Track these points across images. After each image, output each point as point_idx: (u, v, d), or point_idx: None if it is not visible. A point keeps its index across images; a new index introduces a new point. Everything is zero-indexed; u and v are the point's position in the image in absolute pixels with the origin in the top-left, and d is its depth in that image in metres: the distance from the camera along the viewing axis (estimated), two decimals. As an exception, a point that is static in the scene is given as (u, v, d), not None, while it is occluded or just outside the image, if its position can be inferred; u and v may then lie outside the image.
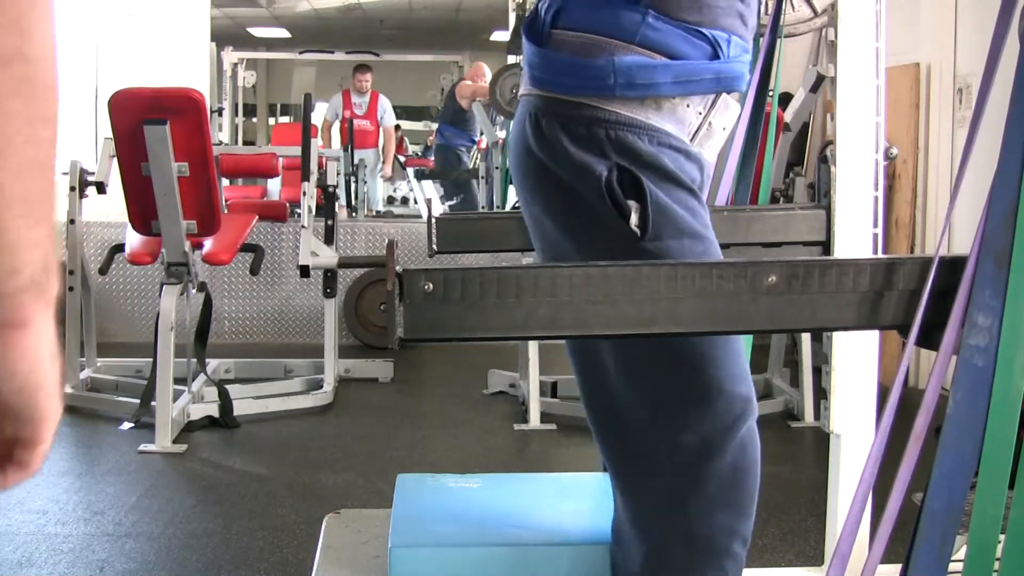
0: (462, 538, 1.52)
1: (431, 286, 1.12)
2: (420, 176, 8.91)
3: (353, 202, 7.23)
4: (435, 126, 14.61)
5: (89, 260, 4.51)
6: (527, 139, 1.39)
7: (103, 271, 4.05)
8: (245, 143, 11.02)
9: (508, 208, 6.74)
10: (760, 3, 2.02)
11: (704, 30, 1.33)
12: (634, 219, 1.29)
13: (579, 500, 1.67)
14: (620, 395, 1.39)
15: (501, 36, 9.23)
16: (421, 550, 1.48)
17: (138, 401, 3.73)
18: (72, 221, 4.04)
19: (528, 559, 1.48)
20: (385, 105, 8.78)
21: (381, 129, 8.76)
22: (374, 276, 5.19)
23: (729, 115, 1.39)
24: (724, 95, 1.37)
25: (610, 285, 1.13)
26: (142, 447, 3.44)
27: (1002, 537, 1.10)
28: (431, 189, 8.77)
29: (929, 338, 1.16)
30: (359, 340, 5.28)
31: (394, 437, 3.72)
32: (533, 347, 3.84)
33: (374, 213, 8.11)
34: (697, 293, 1.14)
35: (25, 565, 2.47)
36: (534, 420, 3.82)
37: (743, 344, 1.42)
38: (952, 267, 1.15)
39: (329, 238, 4.30)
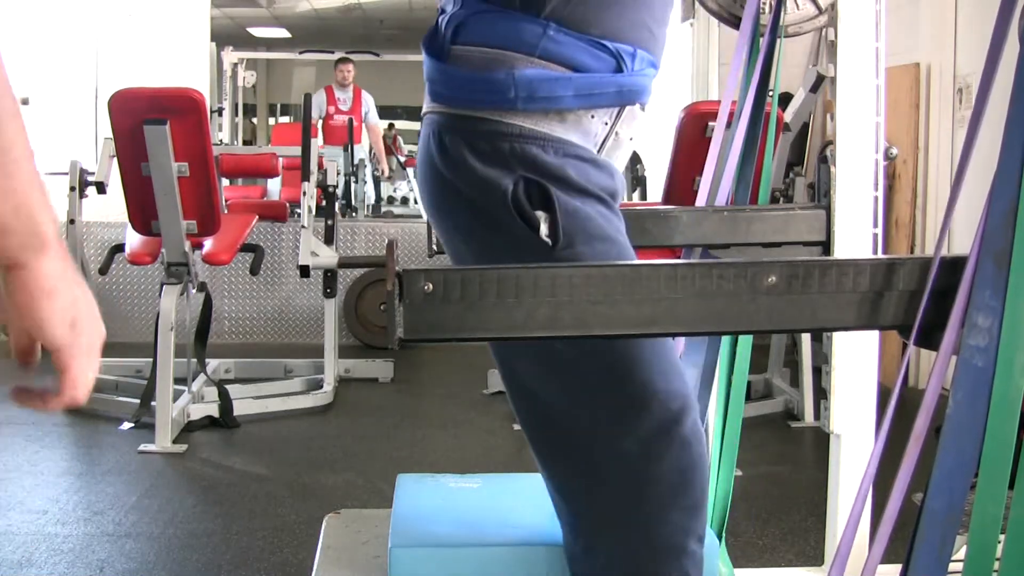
0: (462, 538, 1.52)
1: (431, 286, 1.12)
2: (420, 176, 8.91)
3: (353, 202, 7.23)
4: (435, 126, 14.63)
5: (89, 260, 4.51)
6: (432, 158, 1.36)
7: (103, 271, 4.05)
8: (244, 143, 11.03)
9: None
10: (760, 2, 2.02)
11: (607, 43, 1.31)
12: (544, 229, 1.27)
13: (579, 500, 1.67)
14: (552, 406, 1.37)
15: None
16: (421, 550, 1.48)
17: (138, 401, 3.73)
18: (72, 221, 4.04)
19: (528, 559, 1.48)
20: (369, 102, 8.71)
21: (366, 127, 8.67)
22: (374, 276, 5.19)
23: (636, 125, 1.37)
24: (632, 108, 1.35)
25: (610, 285, 1.13)
26: (142, 447, 3.44)
27: (1002, 537, 1.10)
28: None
29: (929, 338, 1.16)
30: (359, 340, 5.28)
31: (394, 437, 3.72)
32: (533, 347, 3.84)
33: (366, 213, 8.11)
34: (697, 293, 1.14)
35: (25, 565, 2.47)
36: (534, 420, 3.81)
37: (671, 342, 1.39)
38: (952, 267, 1.15)
39: (329, 238, 4.30)
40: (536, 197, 1.28)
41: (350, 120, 7.93)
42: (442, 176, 1.35)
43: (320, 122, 8.35)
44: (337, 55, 9.38)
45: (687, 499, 1.34)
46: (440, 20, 1.38)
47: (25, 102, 4.92)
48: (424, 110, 1.42)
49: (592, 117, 1.32)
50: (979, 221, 1.13)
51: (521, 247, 1.29)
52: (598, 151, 1.34)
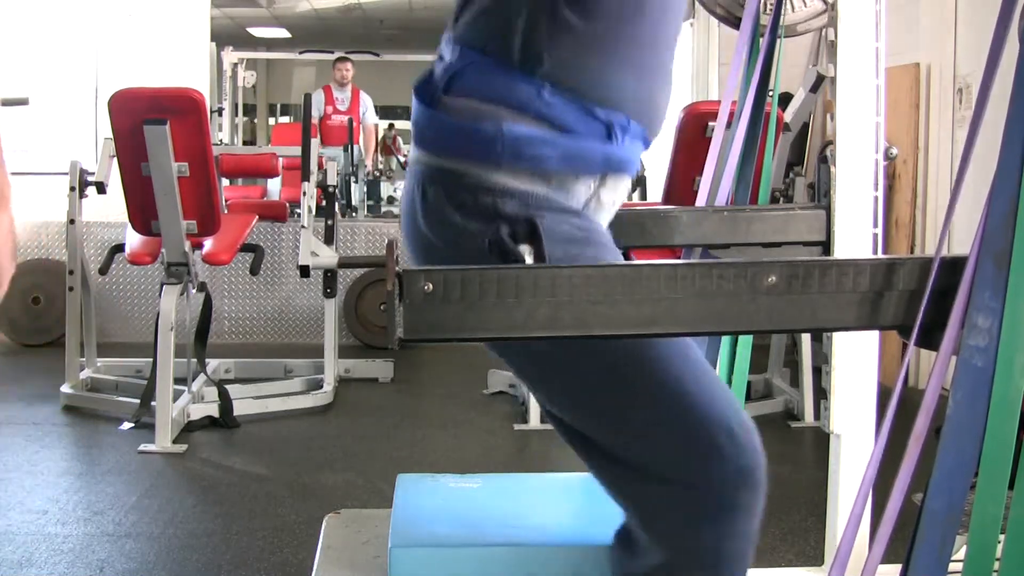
0: (462, 538, 1.52)
1: (431, 286, 1.12)
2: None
3: (353, 202, 7.23)
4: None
5: (89, 260, 4.51)
6: (415, 209, 1.34)
7: (103, 271, 4.05)
8: (244, 143, 11.02)
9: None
10: (760, 2, 2.02)
11: (600, 111, 1.28)
12: (529, 260, 1.25)
13: (579, 500, 1.67)
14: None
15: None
16: (421, 550, 1.48)
17: (138, 401, 3.74)
18: (72, 221, 4.04)
19: (528, 559, 1.48)
20: (367, 102, 8.72)
21: (362, 127, 8.68)
22: (374, 276, 5.19)
23: (620, 191, 1.35)
24: (618, 176, 1.33)
25: (610, 285, 1.13)
26: (142, 447, 3.44)
27: (1002, 537, 1.10)
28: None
29: (929, 338, 1.16)
30: (359, 340, 5.28)
31: (394, 437, 3.72)
32: (533, 347, 3.83)
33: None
34: (697, 293, 1.14)
35: (25, 565, 2.47)
36: (534, 420, 3.82)
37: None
38: (952, 267, 1.15)
39: (329, 238, 4.30)
40: (521, 234, 1.25)
41: (350, 120, 7.92)
42: (423, 228, 1.33)
43: (318, 122, 8.34)
44: (336, 55, 9.36)
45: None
46: (436, 68, 1.36)
47: (25, 102, 4.92)
48: (410, 159, 1.39)
49: (576, 178, 1.29)
50: (979, 222, 1.13)
51: None
52: (581, 211, 1.31)
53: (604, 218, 1.36)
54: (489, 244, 1.26)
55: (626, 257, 3.60)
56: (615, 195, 1.35)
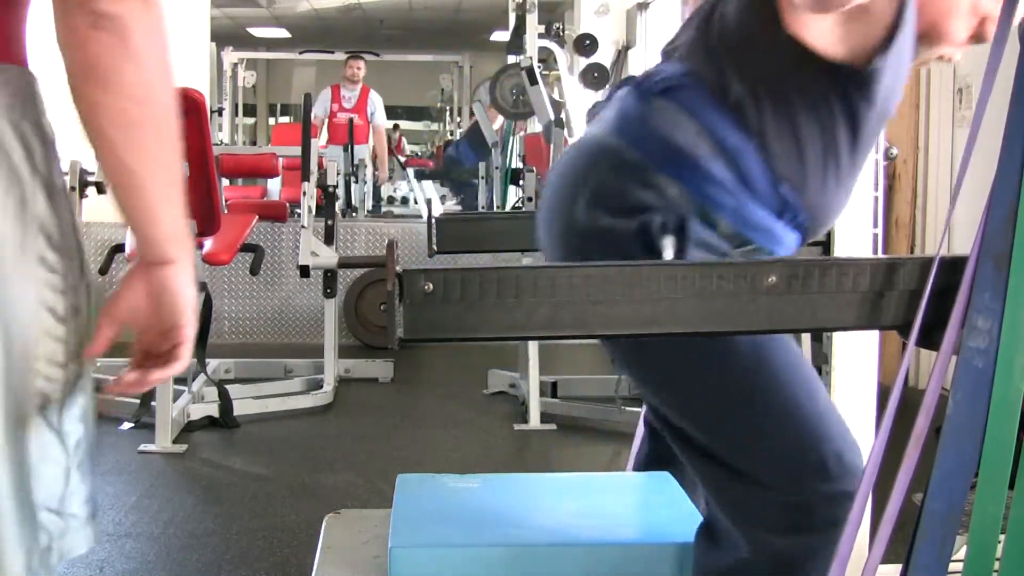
0: (462, 538, 1.52)
1: (431, 286, 1.12)
2: (420, 176, 8.89)
3: (353, 202, 7.23)
4: (435, 126, 14.64)
5: (89, 260, 4.50)
6: (572, 183, 1.38)
7: (103, 271, 4.05)
8: (249, 143, 11.03)
9: (508, 208, 6.75)
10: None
11: (785, 189, 1.32)
12: (669, 254, 1.28)
13: (580, 500, 1.67)
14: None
15: (501, 36, 9.23)
16: (421, 550, 1.48)
17: (138, 401, 3.73)
18: (72, 221, 4.04)
19: (528, 559, 1.48)
20: (376, 102, 8.48)
21: (371, 128, 8.46)
22: (374, 276, 5.19)
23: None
24: (754, 248, 1.36)
25: (610, 285, 1.13)
26: (142, 447, 3.44)
27: (1002, 537, 1.10)
28: (431, 189, 8.76)
29: (929, 338, 1.16)
30: (359, 340, 5.28)
31: (394, 437, 3.73)
32: (533, 347, 3.84)
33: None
34: (697, 293, 1.14)
35: (25, 565, 2.47)
36: (534, 420, 3.82)
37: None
38: (952, 267, 1.15)
39: (329, 238, 4.30)
40: (670, 226, 1.29)
41: (350, 120, 7.90)
42: (573, 202, 1.36)
43: (324, 121, 8.15)
44: (338, 54, 9.28)
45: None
46: (658, 71, 1.39)
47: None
48: (589, 134, 1.43)
49: (725, 233, 1.33)
50: (979, 223, 1.13)
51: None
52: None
53: None
54: (638, 227, 1.29)
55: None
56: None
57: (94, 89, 0.93)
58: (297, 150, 4.23)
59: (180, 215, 0.95)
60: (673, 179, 1.31)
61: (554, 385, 4.15)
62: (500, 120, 7.64)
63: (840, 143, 1.34)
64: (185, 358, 1.00)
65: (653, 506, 1.66)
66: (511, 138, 7.32)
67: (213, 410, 3.78)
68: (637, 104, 1.37)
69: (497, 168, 6.73)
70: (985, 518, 1.08)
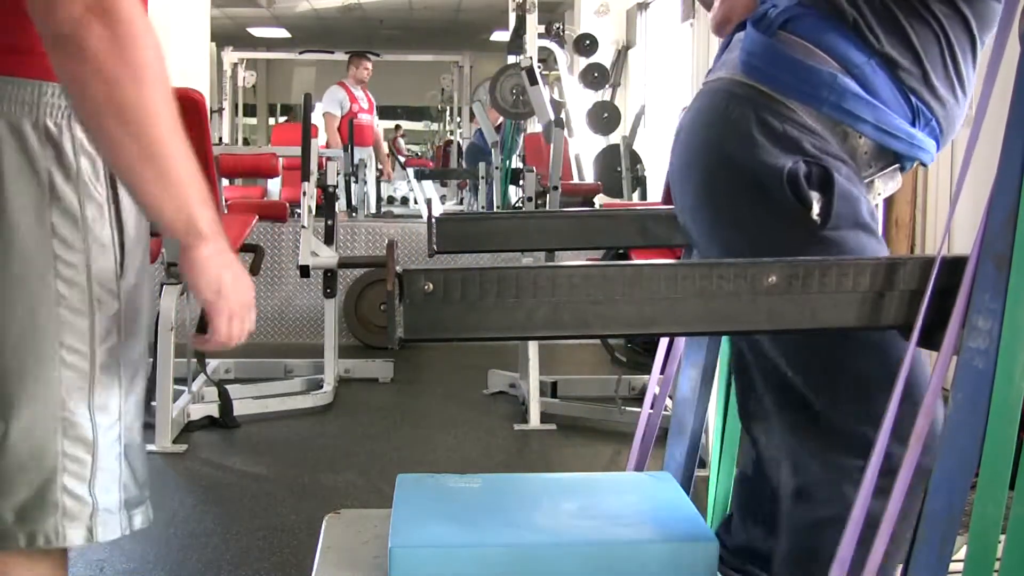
0: (462, 538, 1.52)
1: (431, 286, 1.12)
2: (420, 176, 8.89)
3: (353, 202, 7.22)
4: (435, 126, 14.65)
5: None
6: (710, 122, 1.45)
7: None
8: (244, 143, 11.02)
9: (508, 208, 6.75)
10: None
11: (913, 97, 1.39)
12: (816, 209, 1.34)
13: (580, 500, 1.67)
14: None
15: (501, 36, 9.23)
16: (421, 550, 1.48)
17: (138, 401, 3.73)
18: (72, 221, 4.04)
19: (528, 559, 1.48)
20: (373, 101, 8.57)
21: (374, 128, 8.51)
22: (374, 276, 5.19)
23: (892, 185, 1.45)
24: (895, 168, 1.43)
25: (610, 285, 1.13)
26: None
27: (1002, 537, 1.10)
28: (431, 189, 8.76)
29: (930, 338, 1.16)
30: (359, 340, 5.28)
31: (394, 437, 3.72)
32: (533, 347, 3.84)
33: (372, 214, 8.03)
34: (697, 293, 1.14)
35: (25, 565, 2.47)
36: (534, 420, 3.82)
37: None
38: (953, 267, 1.15)
39: (329, 238, 4.29)
40: (815, 178, 1.36)
41: (351, 121, 7.88)
42: (718, 142, 1.44)
43: (333, 121, 8.00)
44: (338, 54, 9.22)
45: None
46: (767, 7, 1.46)
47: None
48: (713, 77, 1.51)
49: (866, 153, 1.40)
50: (979, 224, 1.13)
51: (786, 221, 1.37)
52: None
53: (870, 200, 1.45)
54: (788, 173, 1.35)
55: (626, 257, 3.59)
56: (887, 187, 1.45)
57: (72, 103, 1.05)
58: (297, 150, 4.23)
59: (183, 206, 1.05)
60: (811, 105, 1.37)
61: (554, 385, 4.15)
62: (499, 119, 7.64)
63: (954, 44, 1.40)
64: (222, 333, 1.10)
65: (653, 506, 1.66)
66: (511, 136, 7.31)
67: (213, 410, 3.78)
68: (761, 41, 1.43)
69: (497, 168, 6.73)
70: (985, 518, 1.08)
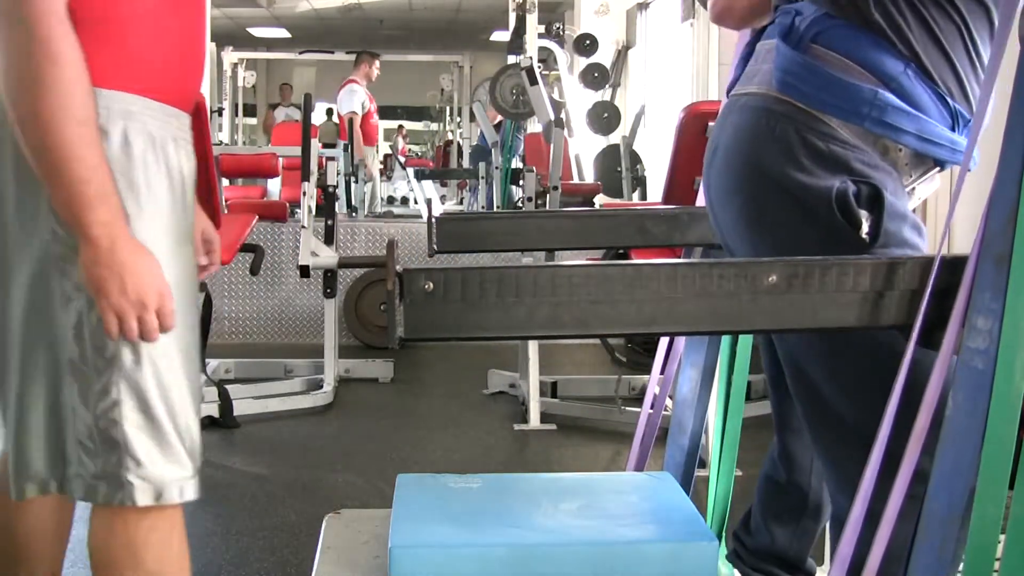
0: (462, 538, 1.52)
1: (431, 285, 1.12)
2: (420, 176, 8.89)
3: (352, 202, 7.22)
4: (435, 126, 14.63)
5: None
6: (753, 141, 1.42)
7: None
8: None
9: (508, 208, 6.74)
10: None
11: (950, 100, 1.37)
12: (865, 227, 1.33)
13: (580, 500, 1.67)
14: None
15: (501, 36, 9.23)
16: (421, 550, 1.48)
17: (138, 401, 3.73)
18: (72, 221, 4.04)
19: (528, 559, 1.48)
20: None
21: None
22: (374, 276, 5.19)
23: (930, 188, 1.46)
24: (936, 170, 1.43)
25: (610, 285, 1.13)
26: (142, 447, 3.43)
27: (1002, 537, 1.09)
28: (431, 189, 8.75)
29: (929, 338, 1.16)
30: (359, 340, 5.28)
31: (394, 437, 3.72)
32: (533, 347, 3.84)
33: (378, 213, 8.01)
34: (697, 293, 1.14)
35: (25, 565, 2.47)
36: (534, 420, 3.82)
37: None
38: (952, 267, 1.15)
39: (329, 238, 4.29)
40: (865, 197, 1.34)
41: (350, 120, 7.86)
42: (759, 161, 1.41)
43: (358, 120, 7.91)
44: (338, 54, 9.17)
45: None
46: (795, 19, 1.43)
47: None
48: (745, 90, 1.47)
49: (907, 164, 1.39)
50: (979, 223, 1.13)
51: (833, 242, 1.34)
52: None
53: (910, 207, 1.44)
54: (837, 194, 1.34)
55: (626, 257, 3.59)
56: (926, 190, 1.45)
57: None
58: (297, 150, 4.23)
59: (71, 207, 1.13)
60: (852, 121, 1.35)
61: (554, 385, 4.15)
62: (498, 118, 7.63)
63: (976, 37, 1.37)
64: (111, 331, 1.19)
65: (653, 506, 1.66)
66: (511, 136, 7.31)
67: (213, 410, 3.77)
68: (795, 58, 1.40)
69: (497, 168, 6.73)
70: (985, 518, 1.08)
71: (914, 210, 1.45)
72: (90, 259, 1.15)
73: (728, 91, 1.56)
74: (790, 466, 1.71)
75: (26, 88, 1.10)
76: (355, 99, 7.94)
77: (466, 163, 9.85)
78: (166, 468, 1.27)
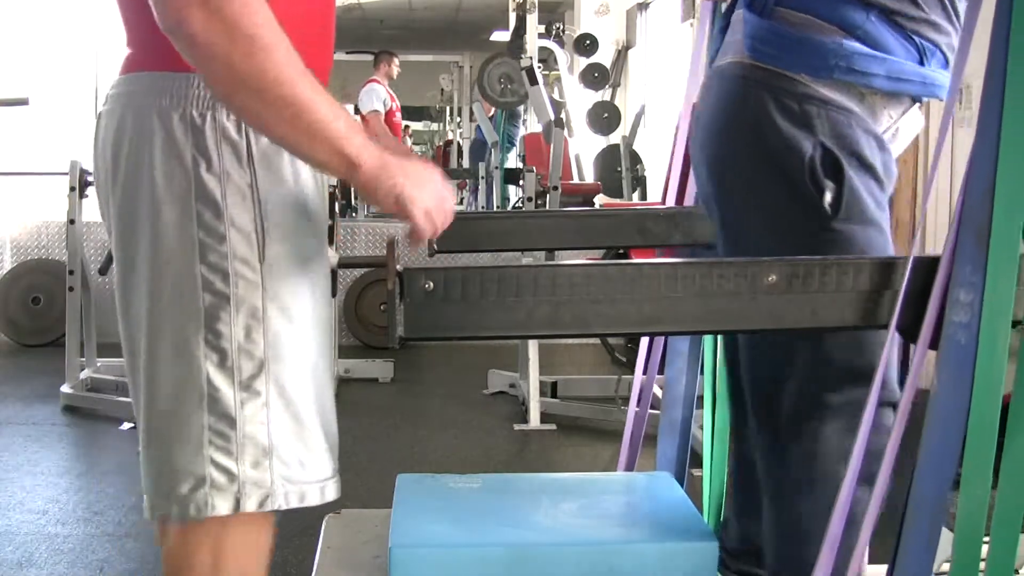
0: (462, 538, 1.52)
1: (432, 285, 1.12)
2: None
3: (354, 202, 7.22)
4: (435, 126, 14.65)
5: (89, 260, 4.51)
6: (730, 108, 1.47)
7: (103, 271, 4.04)
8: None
9: (508, 208, 6.75)
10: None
11: (916, 38, 1.41)
12: (828, 197, 1.37)
13: (580, 500, 1.67)
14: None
15: (501, 36, 9.24)
16: (421, 550, 1.48)
17: (138, 401, 3.73)
18: (72, 221, 4.04)
19: (528, 559, 1.48)
20: None
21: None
22: (374, 276, 5.19)
23: (916, 124, 1.48)
24: (915, 107, 1.46)
25: (610, 284, 1.13)
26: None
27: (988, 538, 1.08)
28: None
29: (914, 333, 1.15)
30: (359, 340, 5.28)
31: (394, 437, 3.72)
32: (533, 347, 3.84)
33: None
34: (697, 292, 1.14)
35: (25, 565, 2.47)
36: (534, 420, 3.82)
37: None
38: (934, 266, 1.14)
39: (329, 238, 4.29)
40: (829, 167, 1.38)
41: (373, 118, 7.83)
42: (739, 127, 1.46)
43: (379, 119, 7.90)
44: (339, 53, 9.14)
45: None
46: None
47: (25, 102, 4.92)
48: (723, 62, 1.51)
49: (884, 107, 1.43)
50: (958, 196, 1.12)
51: (801, 210, 1.40)
52: (883, 137, 1.44)
53: (897, 149, 1.49)
54: (810, 161, 1.39)
55: (626, 257, 3.59)
56: (913, 127, 1.48)
57: (209, 89, 1.13)
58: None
59: (331, 148, 1.09)
60: (822, 75, 1.40)
61: (554, 385, 4.14)
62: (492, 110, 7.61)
63: None
64: (424, 229, 1.13)
65: (653, 506, 1.66)
66: (503, 125, 7.29)
67: (213, 410, 3.77)
68: (761, 23, 1.45)
69: (496, 168, 6.73)
70: (972, 498, 1.07)
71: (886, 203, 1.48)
72: (368, 182, 1.11)
73: (710, 65, 1.62)
74: (746, 455, 1.70)
75: (248, 55, 1.05)
76: (377, 97, 7.94)
77: (466, 162, 9.84)
78: (310, 471, 1.20)
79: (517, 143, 8.61)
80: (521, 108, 8.30)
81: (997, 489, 1.08)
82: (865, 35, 1.40)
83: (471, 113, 10.55)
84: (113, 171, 1.20)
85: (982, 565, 1.09)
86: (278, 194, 1.18)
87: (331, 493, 1.24)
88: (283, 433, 1.18)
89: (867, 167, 1.41)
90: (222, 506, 1.17)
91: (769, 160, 1.42)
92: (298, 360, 1.20)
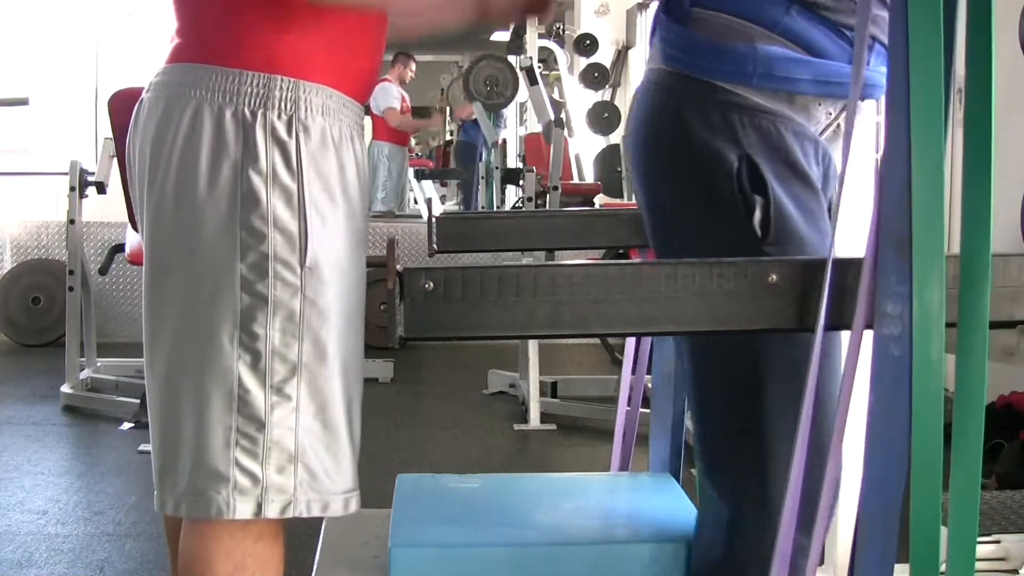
0: (462, 538, 1.52)
1: (431, 285, 1.12)
2: (420, 176, 8.88)
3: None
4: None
5: (89, 260, 4.51)
6: (655, 118, 1.36)
7: (103, 271, 4.05)
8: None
9: (507, 208, 6.74)
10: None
11: (848, 32, 1.29)
12: (757, 215, 1.26)
13: (580, 500, 1.67)
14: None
15: (501, 36, 9.23)
16: (421, 550, 1.48)
17: (138, 401, 3.73)
18: (72, 221, 4.04)
19: (528, 559, 1.48)
20: None
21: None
22: (374, 276, 5.17)
23: (859, 120, 1.36)
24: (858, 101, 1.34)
25: (610, 284, 1.13)
26: (142, 447, 3.43)
27: (944, 530, 1.07)
28: (431, 189, 8.75)
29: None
30: (359, 340, 5.28)
31: (394, 437, 3.72)
32: (533, 347, 3.84)
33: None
34: (697, 293, 1.14)
35: (25, 565, 2.47)
36: (534, 420, 3.82)
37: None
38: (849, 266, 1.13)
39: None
40: (756, 182, 1.27)
41: (388, 114, 7.83)
42: (661, 141, 1.35)
43: (396, 114, 7.92)
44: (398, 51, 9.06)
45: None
46: None
47: (25, 102, 4.92)
48: (650, 66, 1.40)
49: (819, 105, 1.31)
50: (873, 206, 1.11)
51: (732, 227, 1.28)
52: (819, 137, 1.33)
53: (838, 147, 1.35)
54: (737, 175, 1.27)
55: (626, 257, 3.59)
56: (863, 118, 1.37)
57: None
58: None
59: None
60: (740, 81, 1.28)
61: (554, 385, 4.15)
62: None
63: None
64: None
65: (653, 506, 1.66)
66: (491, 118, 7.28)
67: (213, 410, 3.77)
68: (674, 28, 1.34)
69: (496, 168, 6.72)
70: (923, 510, 1.04)
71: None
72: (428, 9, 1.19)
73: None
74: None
75: None
76: (391, 95, 7.89)
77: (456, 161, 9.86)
78: (335, 481, 1.20)
79: (499, 143, 8.61)
80: (504, 110, 8.31)
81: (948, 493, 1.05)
82: (786, 32, 1.27)
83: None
84: (154, 161, 1.17)
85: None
86: (323, 197, 1.16)
87: (354, 505, 1.22)
88: (311, 440, 1.17)
89: (800, 175, 1.30)
90: (244, 509, 1.15)
91: (695, 175, 1.31)
92: (331, 367, 1.19)
